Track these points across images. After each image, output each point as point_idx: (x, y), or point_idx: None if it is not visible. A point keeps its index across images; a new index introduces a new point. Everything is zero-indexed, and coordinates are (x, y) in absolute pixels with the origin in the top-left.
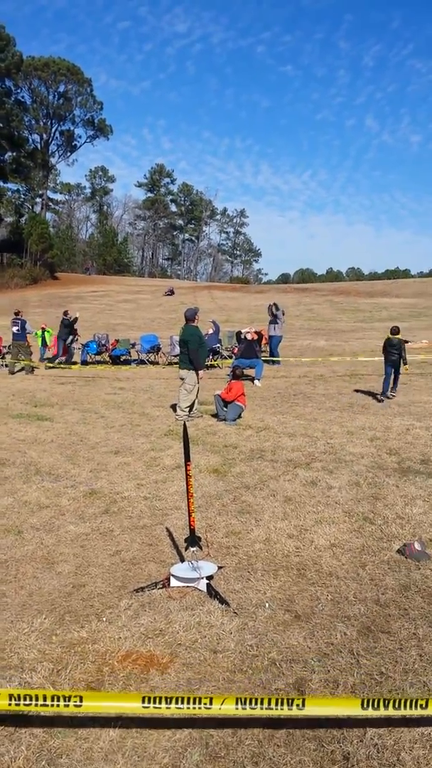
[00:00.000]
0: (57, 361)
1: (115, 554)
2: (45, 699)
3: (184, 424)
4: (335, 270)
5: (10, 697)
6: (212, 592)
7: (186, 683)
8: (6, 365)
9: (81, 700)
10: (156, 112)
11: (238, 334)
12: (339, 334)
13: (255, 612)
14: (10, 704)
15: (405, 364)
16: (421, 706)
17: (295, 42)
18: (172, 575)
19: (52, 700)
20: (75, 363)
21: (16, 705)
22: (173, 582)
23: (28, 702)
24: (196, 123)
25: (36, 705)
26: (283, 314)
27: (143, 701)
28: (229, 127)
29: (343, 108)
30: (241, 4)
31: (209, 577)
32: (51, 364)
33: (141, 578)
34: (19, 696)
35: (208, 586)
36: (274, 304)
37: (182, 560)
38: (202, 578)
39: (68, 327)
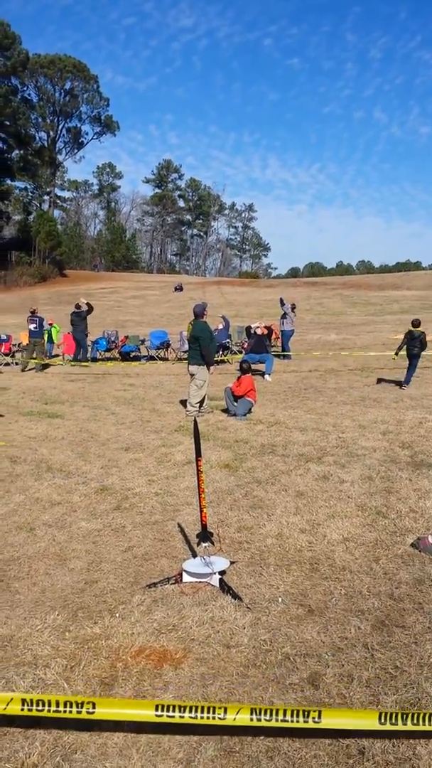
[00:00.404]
0: (87, 357)
1: (127, 550)
2: (58, 705)
3: (195, 420)
4: (345, 263)
5: (23, 702)
6: (225, 587)
7: (200, 678)
8: (17, 363)
9: (94, 707)
10: (162, 108)
11: (248, 329)
12: (350, 327)
13: (268, 607)
14: (22, 709)
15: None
16: None
17: (301, 35)
18: (185, 571)
19: (65, 705)
20: (88, 360)
21: (29, 710)
22: (186, 577)
23: (40, 707)
24: (202, 118)
25: (48, 711)
26: (293, 308)
27: (156, 709)
28: (236, 121)
29: (351, 101)
30: None
31: (222, 573)
32: (83, 363)
33: (153, 574)
34: (32, 701)
35: (221, 581)
36: (280, 298)
37: (194, 555)
38: (215, 573)
39: (86, 319)
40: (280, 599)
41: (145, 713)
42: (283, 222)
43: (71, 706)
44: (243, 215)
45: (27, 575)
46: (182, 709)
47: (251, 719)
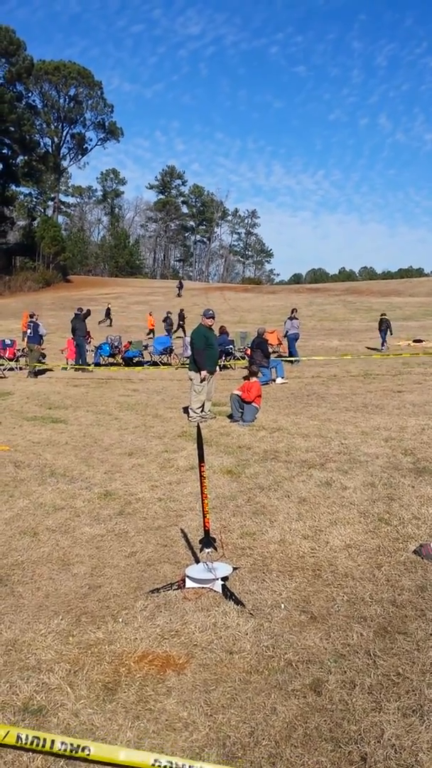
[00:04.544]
0: (86, 362)
1: (130, 555)
2: (53, 744)
3: (198, 426)
4: (348, 269)
5: (18, 737)
6: (227, 593)
7: (202, 684)
8: (20, 368)
9: (90, 751)
10: (169, 115)
11: (262, 340)
12: (352, 334)
13: (271, 613)
14: (17, 743)
15: None
16: None
17: (307, 42)
18: (188, 576)
19: (62, 745)
20: (89, 364)
21: (23, 744)
22: (188, 583)
23: (37, 743)
24: (208, 125)
25: (42, 747)
26: (293, 312)
27: (153, 762)
28: (241, 128)
29: (356, 108)
30: (254, 5)
31: (224, 578)
32: (87, 368)
33: (156, 579)
34: (27, 737)
35: (224, 587)
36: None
37: (197, 561)
38: (218, 579)
39: (84, 322)
40: (282, 605)
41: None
42: (287, 228)
43: (66, 746)
44: (246, 221)
45: (31, 580)
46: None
47: None
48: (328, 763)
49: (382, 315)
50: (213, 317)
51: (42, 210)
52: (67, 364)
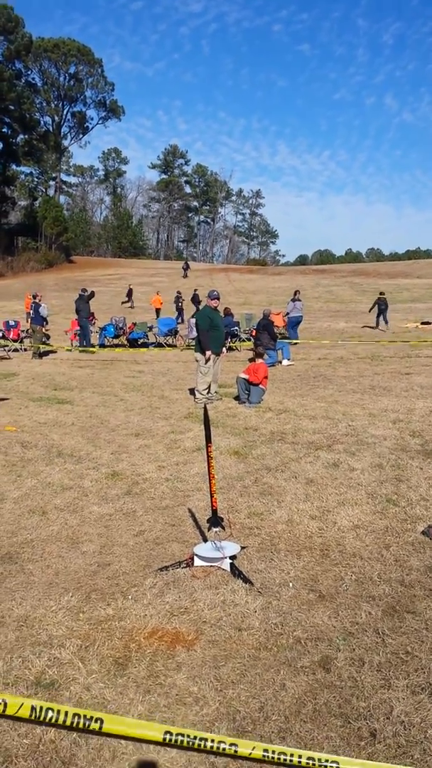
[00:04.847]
0: (90, 343)
1: (138, 534)
2: (66, 715)
3: (205, 407)
4: (355, 251)
5: (32, 708)
6: (236, 571)
7: (212, 660)
8: (25, 349)
9: (102, 723)
10: (171, 93)
11: (268, 322)
12: (359, 315)
13: (279, 591)
14: (30, 715)
15: None
16: None
17: (312, 20)
18: (196, 555)
19: (74, 717)
20: (93, 346)
21: (36, 717)
22: (197, 561)
23: (50, 715)
24: (211, 103)
25: (56, 719)
26: (296, 294)
27: (165, 734)
28: (245, 107)
29: (362, 87)
30: None
31: (232, 557)
32: (90, 349)
33: (165, 558)
34: (41, 708)
35: (232, 565)
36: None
37: (205, 540)
38: (226, 558)
39: (88, 303)
40: (290, 584)
41: (153, 734)
42: (292, 209)
43: (80, 718)
44: (251, 202)
45: (41, 558)
46: (192, 737)
47: (264, 756)
48: (337, 738)
49: (380, 294)
50: (218, 298)
51: (43, 190)
52: (72, 345)
